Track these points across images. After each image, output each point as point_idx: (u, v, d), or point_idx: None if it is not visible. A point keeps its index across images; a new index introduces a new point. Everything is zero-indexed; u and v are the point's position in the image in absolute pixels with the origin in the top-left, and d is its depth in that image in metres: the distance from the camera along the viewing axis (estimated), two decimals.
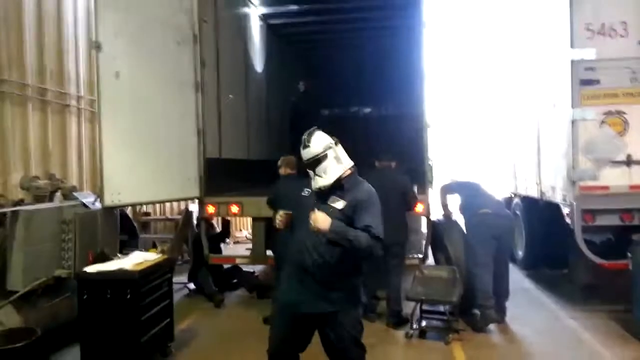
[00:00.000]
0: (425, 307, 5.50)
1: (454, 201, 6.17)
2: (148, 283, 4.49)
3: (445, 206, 6.21)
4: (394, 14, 9.41)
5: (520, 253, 7.87)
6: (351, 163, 3.31)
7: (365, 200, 3.18)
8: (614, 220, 5.56)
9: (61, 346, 4.90)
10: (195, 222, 7.20)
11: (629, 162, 5.44)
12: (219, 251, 7.68)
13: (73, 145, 7.24)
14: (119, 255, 5.07)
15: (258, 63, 9.65)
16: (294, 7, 9.40)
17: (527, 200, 7.48)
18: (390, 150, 6.14)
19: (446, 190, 6.23)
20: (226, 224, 8.15)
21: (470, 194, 5.99)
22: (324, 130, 3.33)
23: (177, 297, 6.66)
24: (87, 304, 4.23)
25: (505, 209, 6.38)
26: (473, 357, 4.87)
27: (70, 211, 5.32)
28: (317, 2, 9.33)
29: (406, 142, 8.34)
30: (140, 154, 5.87)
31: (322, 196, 3.23)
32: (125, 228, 6.68)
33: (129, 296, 4.21)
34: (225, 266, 7.45)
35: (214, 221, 8.09)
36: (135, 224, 7.62)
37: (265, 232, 6.35)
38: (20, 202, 5.44)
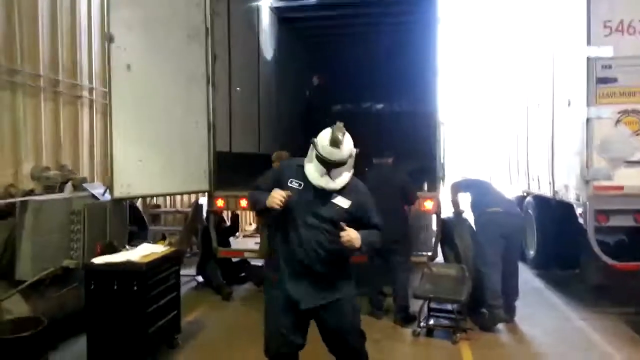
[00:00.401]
0: (433, 305, 5.46)
1: (465, 199, 6.12)
2: (155, 275, 4.51)
3: (455, 203, 6.17)
4: (409, 9, 9.28)
5: (531, 252, 7.77)
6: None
7: (368, 201, 3.33)
8: (627, 221, 5.44)
9: (68, 336, 4.93)
10: (204, 215, 7.22)
11: None
12: (228, 244, 7.69)
13: (85, 136, 7.27)
14: (127, 247, 5.09)
15: (270, 57, 9.61)
16: (307, 1, 9.31)
17: (539, 199, 7.37)
18: (389, 147, 6.10)
19: (457, 187, 6.20)
20: (235, 218, 8.16)
21: (481, 192, 5.94)
22: None
23: (185, 289, 6.71)
24: (94, 295, 4.25)
25: (516, 208, 6.32)
26: (481, 357, 4.83)
27: (80, 202, 5.35)
28: None
29: (419, 139, 8.29)
30: (150, 146, 5.89)
31: (323, 193, 3.19)
32: (135, 220, 6.72)
33: (135, 288, 4.23)
34: (234, 259, 7.46)
35: (224, 215, 8.09)
36: (145, 216, 7.66)
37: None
38: (31, 193, 5.48)
